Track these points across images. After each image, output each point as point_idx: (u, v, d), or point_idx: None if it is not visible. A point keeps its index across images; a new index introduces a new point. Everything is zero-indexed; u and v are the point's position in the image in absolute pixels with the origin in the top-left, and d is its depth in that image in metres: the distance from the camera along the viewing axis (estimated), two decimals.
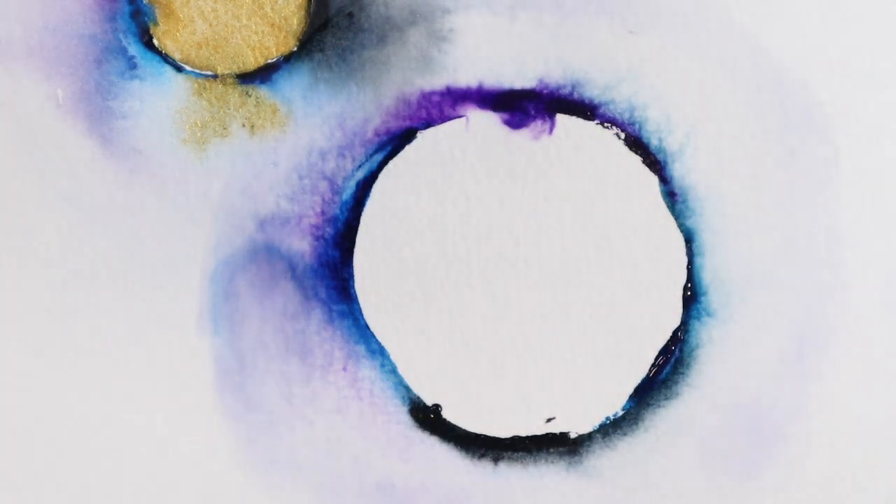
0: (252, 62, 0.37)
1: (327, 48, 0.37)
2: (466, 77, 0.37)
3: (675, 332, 0.38)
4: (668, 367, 0.38)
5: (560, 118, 0.37)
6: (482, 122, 0.37)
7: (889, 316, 0.37)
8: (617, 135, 0.37)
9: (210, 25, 0.37)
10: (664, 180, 0.37)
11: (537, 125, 0.37)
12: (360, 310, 0.38)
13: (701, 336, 0.38)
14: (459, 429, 0.38)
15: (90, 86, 0.37)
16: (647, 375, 0.38)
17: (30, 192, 0.37)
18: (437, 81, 0.37)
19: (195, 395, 0.37)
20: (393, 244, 0.37)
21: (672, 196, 0.37)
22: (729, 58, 0.37)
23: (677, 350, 0.38)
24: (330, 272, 0.38)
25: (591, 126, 0.37)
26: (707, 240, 0.37)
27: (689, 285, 0.38)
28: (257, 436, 0.38)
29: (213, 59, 0.37)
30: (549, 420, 0.38)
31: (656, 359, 0.38)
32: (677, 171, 0.37)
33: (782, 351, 0.38)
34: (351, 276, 0.38)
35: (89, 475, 0.37)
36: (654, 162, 0.37)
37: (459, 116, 0.37)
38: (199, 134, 0.37)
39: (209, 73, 0.37)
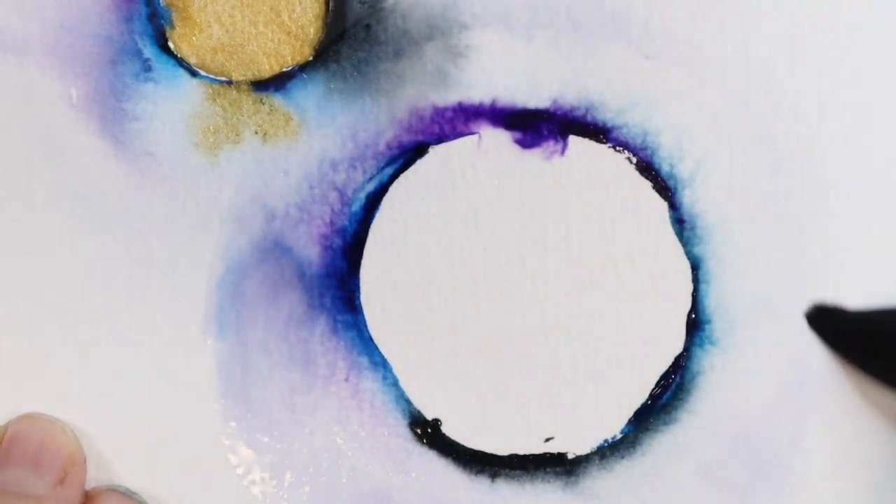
0: (267, 69, 0.37)
1: (343, 59, 0.37)
2: (480, 94, 0.37)
3: (677, 359, 0.38)
4: (668, 393, 0.38)
5: (573, 140, 0.37)
6: (494, 140, 0.37)
7: None
8: (629, 159, 0.37)
9: (226, 31, 0.37)
10: (673, 206, 0.37)
11: (550, 145, 0.37)
12: (364, 321, 0.38)
13: (703, 363, 0.38)
14: (458, 444, 0.38)
15: (104, 86, 0.37)
16: (647, 400, 0.38)
17: (40, 191, 0.37)
18: (451, 97, 0.37)
19: (197, 398, 0.38)
20: (400, 258, 0.37)
21: (680, 223, 0.37)
22: (744, 87, 0.37)
23: (678, 376, 0.38)
24: (336, 282, 0.38)
25: (604, 149, 0.37)
26: (713, 268, 0.38)
27: (694, 312, 0.38)
28: (257, 442, 0.38)
29: (228, 64, 0.37)
30: (547, 440, 0.38)
31: (657, 384, 0.38)
32: (687, 197, 0.37)
33: (783, 382, 0.38)
34: (357, 288, 0.38)
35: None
36: (665, 188, 0.37)
37: (472, 133, 0.37)
38: (211, 139, 0.37)
39: (224, 78, 0.37)
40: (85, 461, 0.36)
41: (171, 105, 0.37)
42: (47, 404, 0.37)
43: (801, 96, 0.37)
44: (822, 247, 0.37)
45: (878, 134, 0.37)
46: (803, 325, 0.38)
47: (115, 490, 0.37)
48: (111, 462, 0.38)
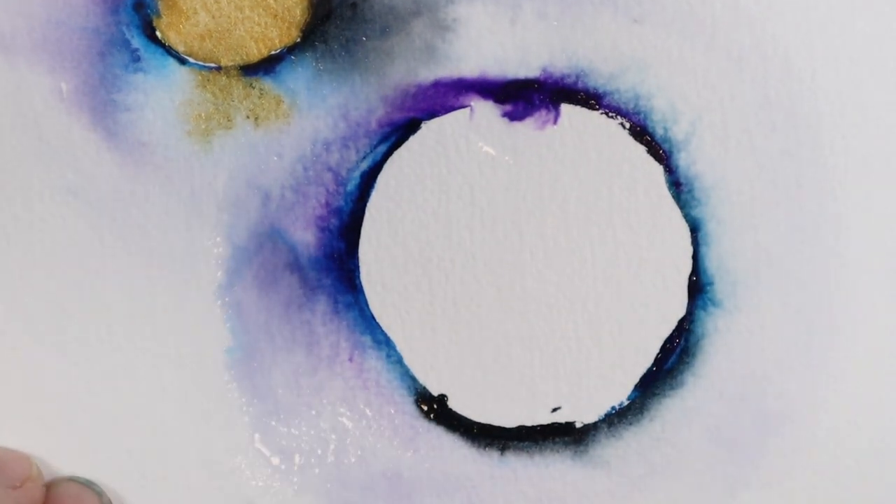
0: (255, 53, 0.37)
1: (331, 39, 0.37)
2: (470, 67, 0.37)
3: (680, 322, 0.38)
4: (673, 357, 0.38)
5: (565, 108, 0.37)
6: (486, 113, 0.37)
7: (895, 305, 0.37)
8: (622, 124, 0.37)
9: (213, 17, 0.37)
10: (669, 170, 0.37)
11: (542, 115, 0.37)
12: (365, 300, 0.38)
13: (707, 326, 0.38)
14: (465, 419, 0.38)
15: (94, 79, 0.37)
16: (653, 365, 0.38)
17: (35, 186, 0.37)
18: (440, 71, 0.37)
19: (201, 385, 0.38)
20: (398, 235, 0.37)
21: (677, 186, 0.37)
22: (735, 46, 0.36)
23: (683, 340, 0.38)
24: (335, 263, 0.38)
25: (596, 116, 0.37)
26: (713, 229, 0.37)
27: (695, 275, 0.37)
28: (264, 426, 0.38)
29: (216, 50, 0.37)
30: (554, 410, 0.38)
31: (662, 348, 0.38)
32: (683, 160, 0.37)
33: (789, 341, 0.37)
34: (356, 267, 0.38)
35: (97, 466, 0.38)
36: (660, 151, 0.37)
37: (463, 107, 0.37)
38: (203, 126, 0.37)
39: (213, 64, 0.37)
40: (42, 482, 0.37)
41: (162, 94, 0.37)
42: (48, 398, 0.37)
43: (793, 52, 0.36)
44: (819, 202, 0.37)
45: (871, 86, 0.37)
46: (806, 281, 0.37)
47: (73, 480, 0.37)
48: (114, 452, 0.38)
